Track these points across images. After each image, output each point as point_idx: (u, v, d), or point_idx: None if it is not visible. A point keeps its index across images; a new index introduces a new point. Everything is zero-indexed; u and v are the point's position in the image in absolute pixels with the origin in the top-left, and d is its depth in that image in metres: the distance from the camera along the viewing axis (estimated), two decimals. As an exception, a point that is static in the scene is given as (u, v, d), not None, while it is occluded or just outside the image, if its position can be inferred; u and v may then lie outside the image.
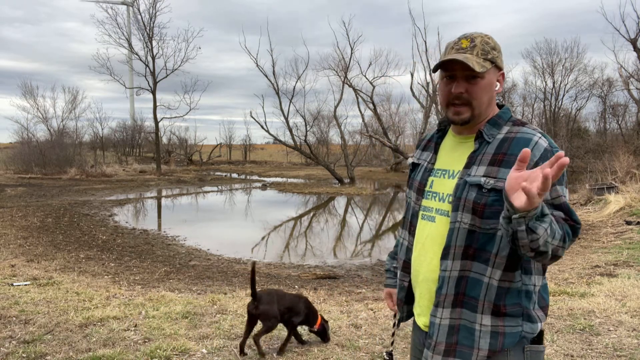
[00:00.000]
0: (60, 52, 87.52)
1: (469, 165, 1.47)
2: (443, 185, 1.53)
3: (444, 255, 1.47)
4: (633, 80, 27.14)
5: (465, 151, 1.51)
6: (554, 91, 38.38)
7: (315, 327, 3.73)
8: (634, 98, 28.69)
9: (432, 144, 1.66)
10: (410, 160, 1.73)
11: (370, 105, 28.28)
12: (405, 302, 1.70)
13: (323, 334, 3.80)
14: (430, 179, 1.58)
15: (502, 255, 1.39)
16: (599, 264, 6.89)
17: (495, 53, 1.47)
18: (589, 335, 3.92)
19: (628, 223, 10.24)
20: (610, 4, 57.90)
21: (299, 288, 6.43)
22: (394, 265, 1.89)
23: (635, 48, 23.30)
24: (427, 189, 1.58)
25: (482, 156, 1.45)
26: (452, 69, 1.46)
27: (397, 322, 1.84)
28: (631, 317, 4.27)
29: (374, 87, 27.87)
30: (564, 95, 38.46)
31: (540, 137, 1.40)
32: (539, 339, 1.47)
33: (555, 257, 1.32)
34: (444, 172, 1.55)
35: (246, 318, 3.62)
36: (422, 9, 59.56)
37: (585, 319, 4.27)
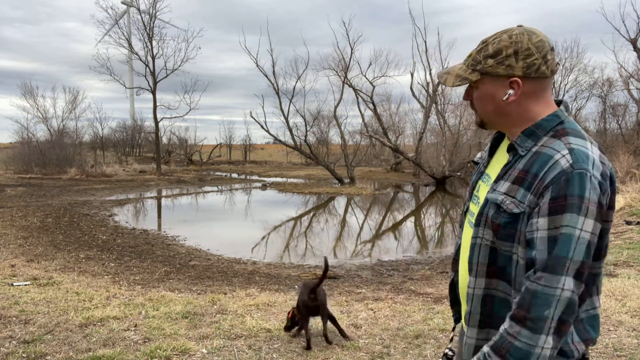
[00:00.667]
0: (60, 52, 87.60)
1: (498, 178, 1.35)
2: (483, 192, 1.42)
3: (469, 271, 1.39)
4: (633, 80, 27.13)
5: (504, 161, 1.38)
6: (554, 91, 38.39)
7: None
8: (634, 98, 28.70)
9: (491, 145, 1.53)
10: (475, 158, 1.62)
11: (370, 105, 28.28)
12: (454, 304, 1.63)
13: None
14: (479, 182, 1.49)
15: (519, 281, 1.26)
16: (599, 264, 6.89)
17: (491, 61, 1.30)
18: (589, 335, 3.92)
19: (628, 223, 10.24)
20: (610, 4, 57.98)
21: (299, 288, 6.43)
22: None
23: (635, 48, 23.30)
24: (474, 192, 1.49)
25: (512, 170, 1.31)
26: None
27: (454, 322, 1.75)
28: (631, 317, 4.27)
29: (374, 87, 27.88)
30: (564, 95, 38.49)
31: (564, 155, 1.20)
32: None
33: (561, 330, 1.17)
34: (488, 178, 1.44)
35: (304, 313, 3.81)
36: (422, 9, 59.56)
37: (585, 319, 4.27)
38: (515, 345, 1.17)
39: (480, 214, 1.35)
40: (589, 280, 1.25)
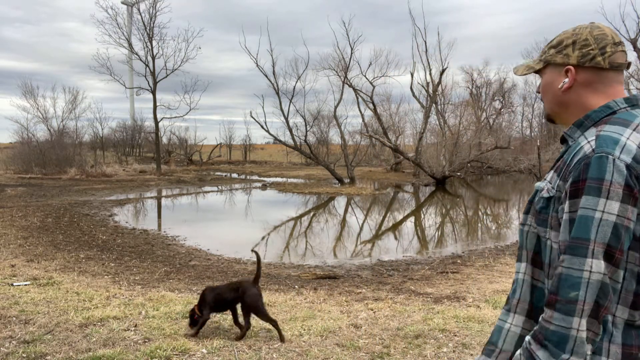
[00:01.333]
0: (60, 52, 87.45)
1: (550, 169, 1.38)
2: None
3: (519, 257, 1.41)
4: (633, 80, 27.14)
5: None
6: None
7: None
8: (634, 98, 28.65)
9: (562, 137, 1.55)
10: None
11: (370, 105, 28.28)
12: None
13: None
14: None
15: (553, 268, 1.26)
16: (599, 264, 6.90)
17: (552, 51, 1.37)
18: (589, 335, 3.92)
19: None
20: (610, 4, 58.04)
21: (299, 288, 6.43)
22: None
23: (635, 48, 23.31)
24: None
25: (558, 161, 1.35)
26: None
27: None
28: (631, 317, 4.26)
29: (374, 87, 27.89)
30: (564, 95, 38.44)
31: (588, 142, 1.23)
32: None
33: (596, 313, 1.14)
34: None
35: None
36: (422, 9, 59.61)
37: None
38: (550, 330, 1.17)
39: (530, 202, 1.39)
40: None
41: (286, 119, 27.72)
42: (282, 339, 3.85)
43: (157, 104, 30.28)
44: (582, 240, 1.15)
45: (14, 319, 4.23)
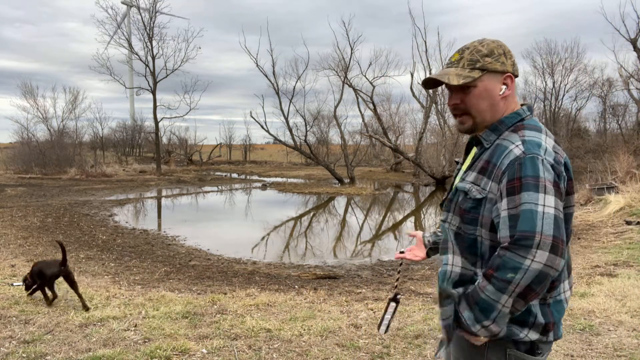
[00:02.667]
0: (60, 52, 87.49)
1: (467, 170, 1.51)
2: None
3: (444, 250, 1.54)
4: (633, 80, 27.14)
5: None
6: (554, 91, 38.36)
7: None
8: (634, 98, 28.69)
9: (467, 143, 1.68)
10: (456, 159, 1.82)
11: (370, 105, 28.27)
12: None
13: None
14: (458, 177, 1.63)
15: (485, 259, 1.42)
16: (599, 264, 6.89)
17: (489, 59, 1.45)
18: (589, 335, 3.92)
19: (628, 223, 10.24)
20: (610, 4, 57.97)
21: (299, 288, 6.43)
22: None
23: (635, 48, 23.30)
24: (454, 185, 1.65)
25: (478, 162, 1.47)
26: (445, 84, 1.51)
27: (400, 267, 2.07)
28: (631, 317, 4.27)
29: (374, 87, 27.87)
30: (564, 95, 38.47)
31: (517, 145, 1.36)
32: (531, 349, 1.43)
33: (526, 296, 1.29)
34: (461, 172, 1.61)
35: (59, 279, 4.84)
36: (422, 9, 59.58)
37: (585, 319, 4.27)
38: (481, 297, 1.32)
39: (450, 200, 1.51)
40: None
41: (286, 119, 27.73)
42: (85, 307, 4.59)
43: (157, 104, 30.28)
44: (529, 232, 1.25)
45: (14, 319, 4.23)
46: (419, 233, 1.92)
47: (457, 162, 1.73)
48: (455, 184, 1.56)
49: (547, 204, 1.27)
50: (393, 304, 1.90)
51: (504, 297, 1.28)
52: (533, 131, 1.40)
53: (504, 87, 1.46)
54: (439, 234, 1.83)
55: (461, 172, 1.57)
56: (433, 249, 1.86)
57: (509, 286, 1.27)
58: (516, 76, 1.48)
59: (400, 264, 2.03)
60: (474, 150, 1.55)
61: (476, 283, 1.37)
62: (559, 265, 1.26)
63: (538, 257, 1.24)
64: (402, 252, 1.90)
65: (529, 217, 1.26)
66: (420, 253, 1.88)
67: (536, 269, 1.25)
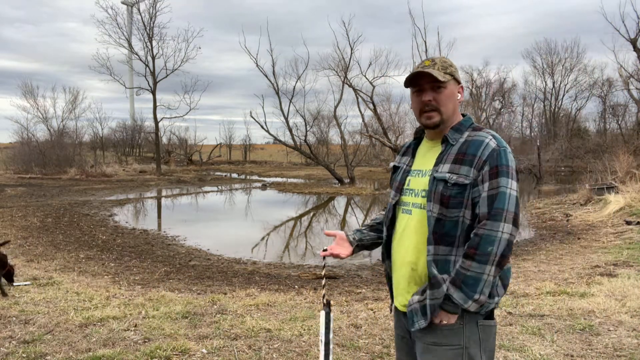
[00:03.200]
0: (60, 52, 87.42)
1: (437, 164, 1.74)
2: (417, 183, 1.81)
3: (429, 241, 1.70)
4: (633, 80, 27.13)
5: (435, 153, 1.79)
6: (554, 91, 38.43)
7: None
8: (634, 98, 28.68)
9: (410, 150, 1.94)
10: (391, 164, 2.03)
11: (370, 105, 28.23)
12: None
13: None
14: (408, 178, 1.86)
15: (464, 236, 1.67)
16: (599, 264, 6.89)
17: (453, 69, 1.77)
18: (589, 335, 3.92)
19: (628, 223, 10.24)
20: (610, 4, 58.01)
21: (299, 288, 6.43)
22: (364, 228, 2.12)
23: (635, 48, 23.30)
24: (405, 187, 1.86)
25: (447, 156, 1.72)
26: (420, 83, 1.76)
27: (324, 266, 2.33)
28: (631, 317, 4.27)
29: (374, 87, 27.82)
30: (564, 95, 38.53)
31: (490, 139, 1.68)
32: (490, 314, 1.71)
33: (501, 263, 1.61)
34: (418, 172, 1.83)
35: None
36: (422, 9, 59.45)
37: (585, 319, 4.27)
38: (467, 275, 1.59)
39: (430, 191, 1.71)
40: None
41: (286, 119, 27.71)
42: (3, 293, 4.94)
43: (157, 104, 30.29)
44: (500, 209, 1.59)
45: (14, 319, 4.23)
46: (339, 232, 2.06)
47: (396, 167, 1.96)
48: (418, 183, 1.79)
49: (512, 187, 1.62)
50: (323, 312, 1.94)
51: (488, 268, 1.57)
52: (491, 130, 1.75)
53: (459, 94, 1.79)
54: (364, 231, 2.06)
55: (420, 173, 1.81)
56: (359, 245, 2.04)
57: (490, 257, 1.57)
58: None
59: (324, 267, 2.31)
60: (432, 151, 1.80)
61: (457, 266, 1.62)
62: (516, 234, 1.63)
63: (506, 228, 1.58)
64: (325, 250, 2.03)
65: (502, 197, 1.60)
66: (344, 250, 2.02)
67: (506, 239, 1.58)
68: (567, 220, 11.99)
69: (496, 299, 1.68)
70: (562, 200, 15.10)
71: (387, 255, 1.93)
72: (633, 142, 23.43)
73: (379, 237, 2.02)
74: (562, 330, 4.03)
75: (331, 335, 1.92)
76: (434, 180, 1.70)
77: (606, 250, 8.05)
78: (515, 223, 1.60)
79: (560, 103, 38.85)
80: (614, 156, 17.13)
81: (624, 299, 4.80)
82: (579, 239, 9.69)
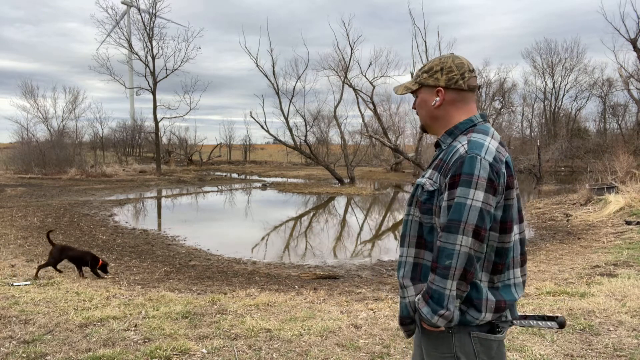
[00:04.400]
0: (61, 52, 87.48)
1: (427, 168, 1.72)
2: None
3: (402, 243, 1.72)
4: (633, 80, 27.15)
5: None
6: (554, 91, 38.42)
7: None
8: (634, 98, 28.69)
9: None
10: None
11: (370, 105, 28.27)
12: None
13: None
14: None
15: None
16: (599, 264, 6.89)
17: (425, 75, 1.73)
18: (589, 335, 3.92)
19: (628, 223, 10.24)
20: (610, 4, 58.02)
21: (299, 288, 6.43)
22: None
23: (635, 48, 23.30)
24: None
25: (435, 161, 1.69)
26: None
27: None
28: (631, 317, 4.27)
29: (374, 87, 27.87)
30: (564, 95, 38.52)
31: (463, 145, 1.58)
32: (492, 329, 1.62)
33: (465, 276, 1.51)
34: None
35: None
36: (422, 9, 59.58)
37: (585, 319, 4.27)
38: (432, 289, 1.52)
39: (412, 195, 1.69)
40: (501, 253, 1.59)
41: (286, 119, 27.71)
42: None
43: (157, 104, 30.28)
44: (456, 221, 1.49)
45: (14, 319, 4.23)
46: None
47: None
48: (417, 179, 1.78)
49: (475, 198, 1.49)
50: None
51: (449, 282, 1.49)
52: (480, 134, 1.62)
53: (437, 98, 1.70)
54: None
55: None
56: None
57: (449, 271, 1.49)
58: (458, 89, 1.68)
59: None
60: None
61: (428, 280, 1.56)
62: (482, 248, 1.51)
63: (464, 241, 1.48)
64: None
65: (459, 208, 1.49)
66: None
67: (465, 252, 1.48)
68: (567, 220, 11.99)
69: (484, 314, 1.56)
70: (562, 200, 15.10)
71: None
72: (633, 142, 23.44)
73: None
74: (562, 330, 4.03)
75: None
76: (417, 185, 1.70)
77: (606, 250, 8.05)
78: (477, 236, 1.48)
79: (560, 103, 38.85)
80: (614, 156, 17.14)
81: (624, 299, 4.80)
82: (579, 239, 9.69)
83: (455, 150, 1.58)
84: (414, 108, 1.82)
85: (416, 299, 1.59)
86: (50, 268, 6.72)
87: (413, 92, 1.78)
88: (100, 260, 6.74)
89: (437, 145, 1.74)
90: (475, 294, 1.56)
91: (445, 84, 1.69)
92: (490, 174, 1.51)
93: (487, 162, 1.52)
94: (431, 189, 1.60)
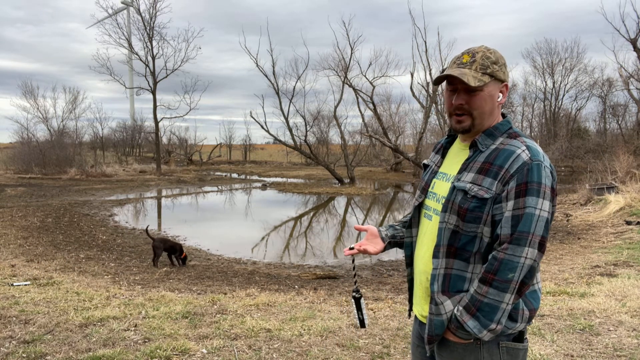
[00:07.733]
0: (61, 52, 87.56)
1: (461, 170, 1.58)
2: (440, 187, 1.65)
3: (435, 254, 1.58)
4: (633, 80, 27.15)
5: (463, 158, 1.62)
6: (554, 91, 38.41)
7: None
8: (634, 98, 28.68)
9: (441, 148, 1.77)
10: (424, 162, 1.86)
11: (370, 105, 28.27)
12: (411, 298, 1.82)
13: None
14: (434, 180, 1.71)
15: (481, 254, 1.52)
16: (599, 264, 6.89)
17: (496, 67, 1.55)
18: (589, 335, 3.92)
19: (628, 223, 10.24)
20: (610, 4, 58.02)
21: (299, 288, 6.43)
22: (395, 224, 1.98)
23: (635, 48, 23.30)
24: (430, 189, 1.71)
25: (473, 164, 1.55)
26: (453, 82, 1.57)
27: (353, 263, 2.10)
28: (631, 317, 4.27)
29: (374, 87, 27.87)
30: (564, 95, 38.51)
31: (523, 150, 1.48)
32: (519, 337, 1.55)
33: (521, 290, 1.45)
34: (444, 175, 1.67)
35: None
36: (422, 9, 59.59)
37: (585, 319, 4.27)
38: (484, 302, 1.44)
39: (448, 200, 1.55)
40: None
41: (286, 119, 27.71)
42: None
43: (157, 104, 30.27)
44: (525, 233, 1.41)
45: (14, 319, 4.23)
46: (370, 227, 1.95)
47: (426, 165, 1.82)
48: (442, 188, 1.63)
49: (543, 208, 1.43)
50: (352, 300, 1.93)
51: (507, 296, 1.42)
52: (529, 139, 1.54)
53: (500, 95, 1.57)
54: (397, 227, 1.93)
55: (446, 177, 1.65)
56: (392, 242, 1.90)
57: (510, 285, 1.41)
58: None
59: (353, 260, 2.10)
60: (459, 155, 1.65)
61: (471, 291, 1.47)
62: (540, 260, 1.46)
63: (529, 254, 1.41)
64: (351, 248, 1.90)
65: (529, 219, 1.41)
66: (376, 247, 1.88)
67: (529, 265, 1.42)
68: (567, 220, 11.99)
69: (519, 324, 1.50)
70: (562, 200, 15.10)
71: (409, 259, 1.80)
72: (633, 142, 23.44)
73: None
74: (562, 330, 4.03)
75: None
76: (453, 189, 1.55)
77: (606, 250, 8.05)
78: (541, 248, 1.43)
79: (560, 103, 38.84)
80: (614, 156, 17.14)
81: (624, 299, 4.80)
82: (579, 239, 9.69)
83: (515, 155, 1.47)
84: (459, 104, 1.56)
85: (456, 312, 1.49)
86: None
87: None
88: (184, 252, 8.09)
89: (472, 145, 1.59)
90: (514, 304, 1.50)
91: (506, 79, 1.59)
92: (553, 182, 1.47)
93: (549, 170, 1.47)
94: (486, 196, 1.47)
